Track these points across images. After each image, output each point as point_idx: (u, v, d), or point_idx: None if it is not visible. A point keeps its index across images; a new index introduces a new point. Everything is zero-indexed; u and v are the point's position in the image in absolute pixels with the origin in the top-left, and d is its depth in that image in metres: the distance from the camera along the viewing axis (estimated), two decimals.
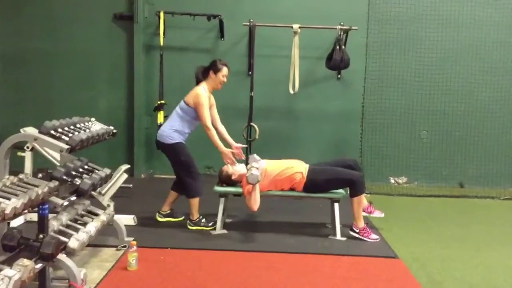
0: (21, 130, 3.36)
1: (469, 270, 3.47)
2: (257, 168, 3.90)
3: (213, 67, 4.18)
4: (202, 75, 4.24)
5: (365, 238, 4.01)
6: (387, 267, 3.50)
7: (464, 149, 6.42)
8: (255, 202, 3.88)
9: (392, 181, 6.56)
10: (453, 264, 3.59)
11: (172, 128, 4.16)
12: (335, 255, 3.67)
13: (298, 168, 4.04)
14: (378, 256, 3.67)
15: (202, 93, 4.10)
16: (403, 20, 6.22)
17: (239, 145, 4.40)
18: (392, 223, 4.61)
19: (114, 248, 3.60)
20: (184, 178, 4.24)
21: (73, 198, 3.07)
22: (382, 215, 4.32)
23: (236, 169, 4.16)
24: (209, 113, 4.14)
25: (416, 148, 6.46)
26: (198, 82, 4.26)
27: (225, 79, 4.22)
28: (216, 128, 4.26)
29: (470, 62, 6.30)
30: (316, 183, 4.01)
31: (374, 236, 4.05)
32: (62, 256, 2.74)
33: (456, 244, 4.06)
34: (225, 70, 4.19)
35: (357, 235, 4.03)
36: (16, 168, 3.20)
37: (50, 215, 2.85)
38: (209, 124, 4.08)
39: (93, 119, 4.11)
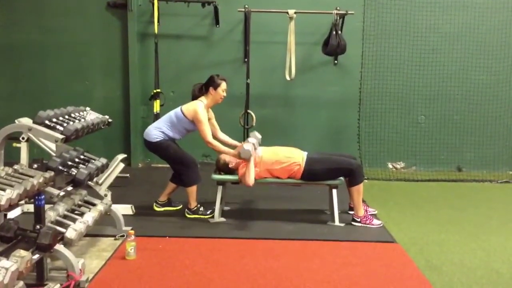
0: (16, 121, 3.34)
1: (467, 254, 3.48)
2: (253, 144, 3.88)
3: (212, 83, 4.15)
4: (199, 91, 4.22)
5: (368, 225, 4.01)
6: (385, 251, 3.51)
7: (462, 133, 6.40)
8: (249, 176, 3.87)
9: (390, 166, 6.56)
10: (451, 247, 3.60)
11: (158, 129, 4.16)
12: (334, 241, 3.68)
13: (295, 158, 3.99)
14: (376, 241, 3.68)
15: (200, 110, 4.08)
16: (399, 4, 6.15)
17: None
18: (390, 208, 4.63)
19: (112, 238, 3.60)
20: (178, 169, 4.24)
21: (70, 188, 3.06)
22: (375, 212, 4.36)
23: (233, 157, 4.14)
24: (209, 127, 4.13)
25: (414, 132, 6.44)
26: (194, 98, 4.24)
27: (225, 94, 4.20)
28: (218, 139, 4.26)
29: (468, 45, 6.26)
30: (314, 173, 3.98)
31: (376, 221, 4.06)
32: (59, 247, 2.73)
33: (454, 228, 4.07)
34: (224, 85, 4.17)
35: (359, 224, 4.03)
36: (12, 160, 3.17)
37: (47, 206, 2.83)
38: (210, 139, 4.08)
39: (88, 108, 4.06)
